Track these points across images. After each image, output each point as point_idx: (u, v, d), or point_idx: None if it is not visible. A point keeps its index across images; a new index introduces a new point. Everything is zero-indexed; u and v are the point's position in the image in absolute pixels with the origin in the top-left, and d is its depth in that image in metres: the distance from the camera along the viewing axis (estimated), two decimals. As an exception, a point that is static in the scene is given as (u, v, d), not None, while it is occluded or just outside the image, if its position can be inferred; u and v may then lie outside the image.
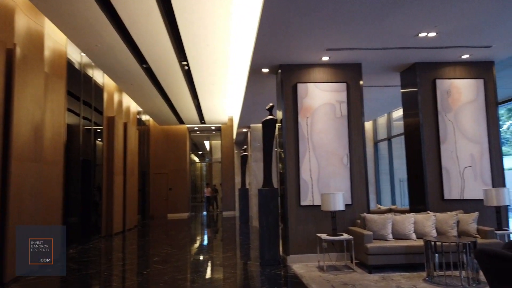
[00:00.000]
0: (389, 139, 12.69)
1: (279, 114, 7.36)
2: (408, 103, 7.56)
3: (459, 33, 5.84)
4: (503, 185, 7.04)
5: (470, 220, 6.21)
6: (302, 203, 6.76)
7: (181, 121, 17.36)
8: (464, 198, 6.94)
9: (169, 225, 14.62)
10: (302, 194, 6.78)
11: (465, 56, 6.93)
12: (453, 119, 7.11)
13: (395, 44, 6.20)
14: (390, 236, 6.11)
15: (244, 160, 15.32)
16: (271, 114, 7.19)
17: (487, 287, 3.64)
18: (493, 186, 6.94)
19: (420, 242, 5.78)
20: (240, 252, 8.59)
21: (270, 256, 6.68)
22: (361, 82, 7.10)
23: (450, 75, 7.21)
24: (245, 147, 15.53)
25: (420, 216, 6.34)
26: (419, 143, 7.12)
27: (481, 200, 6.82)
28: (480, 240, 5.74)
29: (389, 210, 7.96)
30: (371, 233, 5.95)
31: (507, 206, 6.43)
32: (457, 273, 5.35)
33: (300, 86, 6.99)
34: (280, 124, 7.22)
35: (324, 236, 6.19)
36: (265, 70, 7.25)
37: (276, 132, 7.40)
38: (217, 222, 16.01)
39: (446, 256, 5.32)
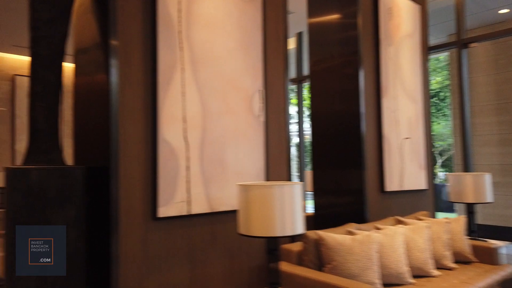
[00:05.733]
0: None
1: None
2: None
3: None
4: (432, 167, 4.80)
5: (461, 231, 3.49)
6: (161, 213, 2.38)
7: None
8: (404, 189, 4.24)
9: None
10: (163, 187, 2.40)
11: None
12: (394, 58, 4.29)
13: None
14: (379, 283, 2.65)
15: None
16: None
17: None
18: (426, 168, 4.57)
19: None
20: None
21: None
22: None
23: (393, -15, 4.35)
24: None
25: (408, 228, 3.12)
26: (356, 94, 3.88)
27: (420, 191, 4.38)
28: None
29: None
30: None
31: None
32: None
33: None
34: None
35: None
36: None
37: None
38: None
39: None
